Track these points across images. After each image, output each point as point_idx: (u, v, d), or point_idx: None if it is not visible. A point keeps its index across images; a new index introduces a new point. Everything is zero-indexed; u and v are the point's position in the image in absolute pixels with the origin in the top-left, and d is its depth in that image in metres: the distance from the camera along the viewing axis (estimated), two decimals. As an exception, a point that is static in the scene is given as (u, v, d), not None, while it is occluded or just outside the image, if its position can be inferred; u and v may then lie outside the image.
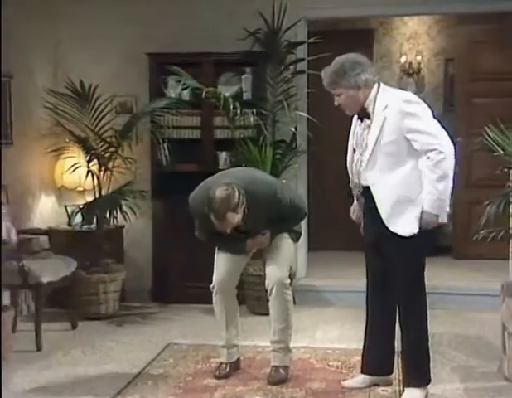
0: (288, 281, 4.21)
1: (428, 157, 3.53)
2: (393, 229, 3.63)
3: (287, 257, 4.25)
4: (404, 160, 3.58)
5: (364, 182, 3.72)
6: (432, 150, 3.53)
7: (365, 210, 3.77)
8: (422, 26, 7.96)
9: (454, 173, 3.67)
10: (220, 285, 4.21)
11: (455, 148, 3.66)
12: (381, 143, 3.58)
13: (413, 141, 3.55)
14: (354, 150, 3.77)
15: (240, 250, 4.27)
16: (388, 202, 3.62)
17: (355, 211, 3.93)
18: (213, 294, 4.25)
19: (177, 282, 6.08)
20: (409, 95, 3.67)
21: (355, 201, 3.92)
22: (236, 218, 3.87)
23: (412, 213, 3.61)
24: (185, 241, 5.91)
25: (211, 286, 4.24)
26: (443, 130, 3.63)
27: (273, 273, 4.16)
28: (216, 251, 4.30)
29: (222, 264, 4.23)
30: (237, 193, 3.86)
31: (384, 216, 3.64)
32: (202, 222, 4.12)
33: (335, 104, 3.72)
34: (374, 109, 3.64)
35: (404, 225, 3.62)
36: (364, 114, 3.69)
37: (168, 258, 6.13)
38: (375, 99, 3.65)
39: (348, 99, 3.65)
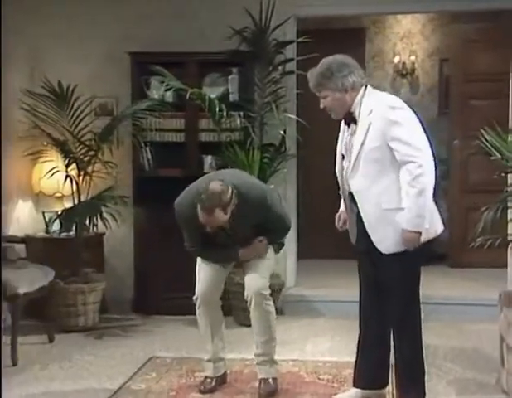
0: (268, 291, 4.21)
1: (407, 170, 3.52)
2: (379, 247, 3.65)
3: (267, 267, 4.26)
4: (389, 168, 3.57)
5: (350, 189, 3.74)
6: (410, 162, 3.52)
7: (357, 218, 3.78)
8: (415, 24, 8.01)
9: (435, 188, 3.68)
10: (204, 297, 4.20)
11: (435, 162, 3.66)
12: (365, 149, 3.59)
13: (395, 151, 3.55)
14: (343, 157, 3.78)
15: (233, 259, 4.28)
16: (373, 213, 3.63)
17: (341, 219, 3.94)
18: (196, 306, 4.24)
19: (160, 292, 6.07)
20: (395, 101, 3.66)
21: (341, 209, 3.93)
22: (223, 217, 3.88)
23: (399, 226, 3.61)
24: (168, 250, 5.92)
25: (194, 298, 4.23)
26: (427, 141, 3.61)
27: (252, 283, 4.16)
28: (198, 261, 4.29)
29: (205, 275, 4.22)
30: (230, 192, 3.90)
31: (369, 231, 3.66)
32: (190, 230, 4.11)
33: (321, 106, 3.73)
34: (359, 113, 3.65)
35: (389, 242, 3.63)
36: (350, 119, 3.70)
37: (150, 267, 6.11)
38: (361, 102, 3.66)
39: (334, 102, 3.66)
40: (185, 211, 4.02)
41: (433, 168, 3.61)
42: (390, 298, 3.73)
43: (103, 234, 6.15)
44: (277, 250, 4.35)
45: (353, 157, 3.65)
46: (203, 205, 3.85)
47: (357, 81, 3.65)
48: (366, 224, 3.66)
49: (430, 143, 3.63)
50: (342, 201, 3.92)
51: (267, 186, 4.35)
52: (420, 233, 3.57)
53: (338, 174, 3.83)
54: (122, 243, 6.36)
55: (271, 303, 4.20)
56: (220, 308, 4.32)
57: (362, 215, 3.68)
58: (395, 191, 3.59)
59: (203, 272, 4.23)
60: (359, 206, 3.69)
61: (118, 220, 5.67)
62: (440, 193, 7.68)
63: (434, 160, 3.64)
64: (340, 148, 3.81)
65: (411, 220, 3.55)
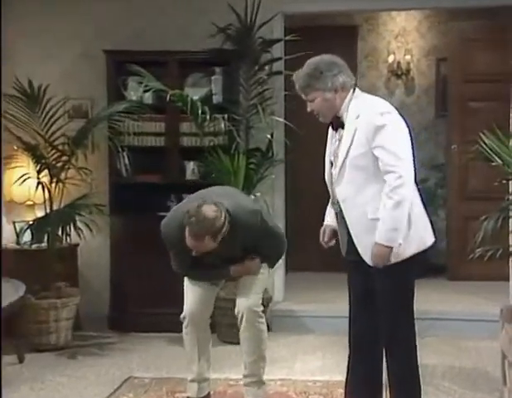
0: (261, 309, 4.22)
1: (387, 180, 3.54)
2: (365, 258, 3.67)
3: (261, 282, 4.27)
4: (376, 176, 3.58)
5: (337, 202, 3.77)
6: (390, 172, 3.53)
7: (346, 227, 3.79)
8: (411, 22, 8.06)
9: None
10: (193, 316, 4.19)
11: (415, 176, 3.67)
12: (350, 155, 3.61)
13: (379, 158, 3.58)
14: (332, 164, 3.79)
15: (224, 277, 4.29)
16: (358, 223, 3.65)
17: (326, 234, 3.94)
18: (183, 326, 4.22)
19: (138, 308, 6.06)
20: (383, 106, 3.67)
21: (325, 222, 3.95)
22: (211, 245, 3.89)
23: None
24: (147, 262, 5.92)
25: (182, 317, 4.21)
26: (410, 151, 3.63)
27: (244, 299, 4.17)
28: (185, 278, 4.29)
29: (193, 293, 4.21)
30: (223, 219, 3.88)
31: (355, 241, 3.68)
32: (178, 251, 4.11)
33: (308, 110, 3.75)
34: (346, 117, 3.67)
35: None
36: (337, 124, 3.72)
37: (128, 281, 6.10)
38: (348, 106, 3.68)
39: (323, 104, 3.67)
40: (173, 233, 4.01)
41: (413, 180, 3.60)
42: (381, 312, 3.75)
43: (77, 245, 6.13)
44: (271, 265, 4.37)
45: (339, 164, 3.67)
46: (192, 229, 3.85)
47: (347, 81, 3.68)
48: (352, 234, 3.69)
49: (413, 154, 3.65)
50: (327, 212, 3.94)
51: (260, 208, 4.33)
52: (391, 248, 3.56)
53: (327, 182, 3.85)
54: (97, 254, 6.34)
55: (263, 320, 4.22)
56: (209, 326, 4.31)
57: (348, 224, 3.70)
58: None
59: (191, 289, 4.22)
60: (345, 215, 3.71)
61: (94, 230, 5.65)
62: (437, 201, 7.80)
63: (415, 170, 3.65)
64: (328, 155, 3.82)
65: (384, 234, 3.54)
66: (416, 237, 3.66)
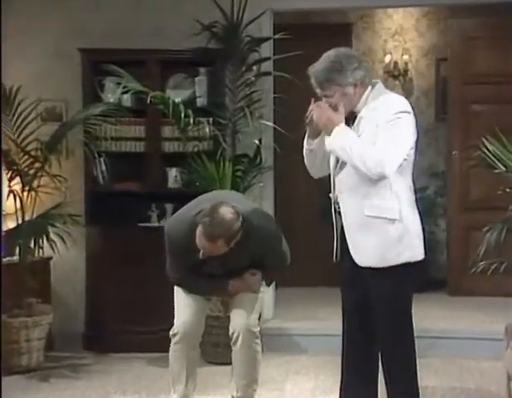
0: (258, 329, 4.23)
1: (373, 159, 3.58)
2: (355, 257, 3.71)
3: (258, 301, 4.28)
4: None
5: (335, 192, 3.80)
6: (375, 162, 3.58)
7: (340, 232, 3.82)
8: (409, 19, 8.10)
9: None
10: (186, 332, 4.17)
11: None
12: None
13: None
14: (335, 167, 3.81)
15: (221, 292, 4.29)
16: (353, 218, 3.70)
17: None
18: (173, 342, 4.20)
19: (116, 326, 6.05)
20: (403, 106, 3.71)
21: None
22: (222, 250, 3.90)
23: (386, 236, 3.67)
24: (126, 277, 5.93)
25: (172, 333, 4.20)
26: (404, 155, 3.66)
27: (240, 318, 4.17)
28: (176, 290, 4.28)
29: (187, 307, 4.20)
30: (239, 224, 3.90)
31: (347, 238, 3.71)
32: (179, 258, 4.11)
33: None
34: (362, 111, 3.71)
35: (367, 254, 3.69)
36: (352, 120, 3.75)
37: (105, 297, 6.09)
38: (366, 102, 3.72)
39: (342, 99, 3.71)
40: (179, 236, 4.00)
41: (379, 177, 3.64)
42: (379, 328, 3.77)
43: (51, 258, 6.11)
44: (268, 283, 4.38)
45: None
46: (206, 230, 3.84)
47: (365, 76, 3.74)
48: (345, 229, 3.74)
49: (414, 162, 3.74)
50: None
51: (273, 218, 4.36)
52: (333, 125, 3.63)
53: (331, 171, 3.87)
54: (72, 269, 6.33)
55: (259, 341, 4.24)
56: (199, 345, 4.31)
57: (343, 218, 3.75)
58: (382, 197, 3.66)
59: (184, 303, 4.21)
60: (341, 207, 3.75)
61: (68, 243, 5.65)
62: (437, 211, 7.83)
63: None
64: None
65: (340, 144, 3.62)
66: (410, 244, 3.72)
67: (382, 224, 3.68)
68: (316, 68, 3.72)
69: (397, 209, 3.68)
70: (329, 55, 3.74)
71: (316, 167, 3.93)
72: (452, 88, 7.40)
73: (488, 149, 4.62)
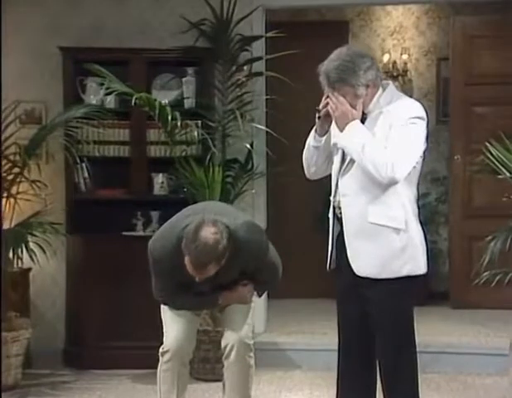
0: (252, 342, 4.24)
1: (383, 164, 3.61)
2: (352, 264, 3.73)
3: (251, 312, 4.30)
4: None
5: (338, 198, 3.80)
6: (386, 165, 3.61)
7: (339, 240, 3.83)
8: (408, 17, 8.13)
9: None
10: (177, 349, 4.15)
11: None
12: None
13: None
14: (343, 154, 3.82)
15: (212, 306, 4.31)
16: (354, 224, 3.70)
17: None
18: (163, 360, 4.18)
19: (98, 341, 6.04)
20: (418, 112, 3.72)
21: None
22: (217, 269, 3.90)
23: (389, 246, 3.69)
24: (109, 289, 5.92)
25: (162, 350, 4.19)
26: (414, 162, 3.70)
27: (234, 331, 4.18)
28: (163, 306, 4.28)
29: (177, 324, 4.19)
30: (225, 241, 3.88)
31: (346, 244, 3.73)
32: (166, 278, 4.12)
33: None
34: (372, 113, 3.73)
35: (365, 261, 3.71)
36: (362, 121, 3.76)
37: (87, 311, 6.08)
38: (377, 104, 3.74)
39: (354, 100, 3.72)
40: (165, 256, 3.99)
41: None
42: (378, 341, 3.79)
43: (30, 269, 6.11)
44: (260, 294, 4.40)
45: (349, 156, 3.73)
46: (193, 258, 3.84)
47: (378, 76, 3.75)
48: (345, 235, 3.74)
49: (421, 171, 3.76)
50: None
51: (263, 229, 4.37)
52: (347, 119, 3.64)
53: (333, 173, 3.87)
54: (52, 280, 6.34)
55: (253, 354, 4.24)
56: (188, 362, 4.31)
57: (344, 226, 3.76)
58: (388, 205, 3.68)
59: (174, 320, 4.20)
60: (343, 212, 3.76)
61: (48, 253, 5.65)
62: (438, 219, 7.87)
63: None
64: (335, 150, 3.85)
65: (352, 132, 3.63)
66: (413, 256, 3.73)
67: (386, 233, 3.68)
68: (328, 66, 3.69)
69: (402, 218, 3.70)
70: (341, 53, 3.72)
71: (316, 166, 3.92)
72: (454, 89, 7.41)
73: (492, 154, 4.65)
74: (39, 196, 5.84)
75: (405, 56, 8.09)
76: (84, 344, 6.11)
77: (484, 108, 7.19)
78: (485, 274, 4.50)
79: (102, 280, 5.95)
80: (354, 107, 3.68)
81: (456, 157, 7.28)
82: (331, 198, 3.87)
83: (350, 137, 3.65)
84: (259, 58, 6.18)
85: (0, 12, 4.71)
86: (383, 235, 3.69)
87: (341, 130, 3.68)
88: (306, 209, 7.56)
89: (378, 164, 3.58)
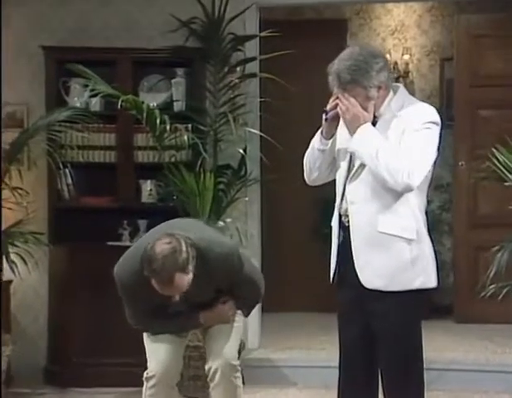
0: (238, 362, 4.25)
1: (398, 170, 3.62)
2: (360, 276, 3.72)
3: (236, 331, 4.30)
4: None
5: (345, 206, 3.79)
6: (402, 171, 3.62)
7: (345, 250, 3.82)
8: (410, 15, 8.15)
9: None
10: (162, 373, 4.15)
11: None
12: None
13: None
14: (351, 159, 3.82)
15: (194, 327, 4.30)
16: (363, 233, 3.70)
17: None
18: (148, 386, 4.18)
19: (82, 358, 6.03)
20: (433, 116, 3.73)
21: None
22: (187, 279, 3.87)
23: (400, 257, 3.70)
24: (94, 303, 5.92)
25: (147, 375, 4.18)
26: (428, 170, 3.73)
27: (218, 351, 4.18)
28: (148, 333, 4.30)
29: (161, 347, 4.19)
30: (184, 246, 3.87)
31: (354, 255, 3.72)
32: (137, 304, 4.11)
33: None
34: (382, 116, 3.74)
35: (374, 273, 3.72)
36: (372, 124, 3.77)
37: (71, 326, 6.08)
38: (388, 107, 3.75)
39: (365, 103, 3.72)
40: (133, 281, 3.98)
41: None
42: (383, 358, 3.79)
43: (10, 282, 6.10)
44: (246, 313, 4.40)
45: (358, 160, 3.72)
46: (157, 276, 3.82)
47: (390, 78, 3.75)
48: (353, 245, 3.73)
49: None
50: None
51: (234, 242, 4.37)
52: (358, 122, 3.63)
53: (338, 180, 3.86)
54: (34, 293, 6.33)
55: (240, 375, 4.24)
56: (176, 384, 4.31)
57: (351, 234, 3.75)
58: (399, 213, 3.69)
59: (157, 344, 4.21)
60: (350, 220, 3.75)
61: (30, 264, 5.65)
62: (442, 228, 7.87)
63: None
64: (344, 150, 3.84)
65: (365, 136, 3.62)
66: (424, 268, 3.75)
67: (397, 243, 3.68)
68: (340, 66, 3.67)
69: (414, 228, 3.71)
70: (353, 52, 3.70)
71: (320, 171, 3.89)
72: (458, 91, 7.43)
73: (498, 159, 4.66)
74: (20, 204, 5.84)
75: (407, 57, 8.10)
76: (68, 361, 6.10)
77: (490, 111, 7.20)
78: (492, 286, 4.52)
79: (86, 293, 5.95)
80: (365, 109, 3.68)
81: (460, 163, 7.30)
82: (336, 205, 3.87)
83: (362, 141, 3.64)
84: (253, 58, 6.19)
85: (0, 14, 4.73)
86: (393, 245, 3.69)
87: (352, 134, 3.67)
88: (303, 218, 7.57)
89: (393, 170, 3.58)
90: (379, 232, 3.69)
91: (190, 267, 3.88)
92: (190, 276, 3.89)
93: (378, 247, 3.69)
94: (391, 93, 3.77)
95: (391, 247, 3.69)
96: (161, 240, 3.88)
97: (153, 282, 3.85)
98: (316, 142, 3.85)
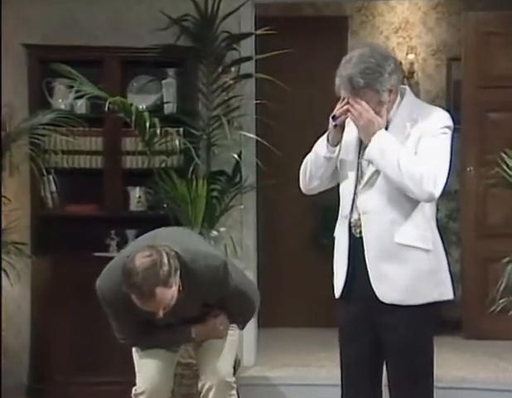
0: (233, 379, 4.26)
1: (422, 174, 3.64)
2: (376, 290, 3.72)
3: (230, 345, 4.32)
4: None
5: (357, 216, 3.79)
6: (427, 179, 3.64)
7: (355, 262, 3.82)
8: (415, 12, 8.17)
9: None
10: (152, 390, 4.18)
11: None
12: None
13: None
14: (358, 168, 3.82)
15: (185, 342, 4.31)
16: (379, 244, 3.70)
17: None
18: None
19: (67, 376, 6.03)
20: (448, 120, 3.74)
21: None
22: (170, 293, 3.86)
23: (418, 268, 3.71)
24: (79, 317, 5.92)
25: (135, 392, 4.21)
26: (446, 177, 3.76)
27: (212, 368, 4.20)
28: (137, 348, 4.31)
29: (151, 364, 4.21)
30: (165, 258, 3.85)
31: (368, 267, 3.72)
32: (122, 319, 4.11)
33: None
34: (394, 123, 3.75)
35: (392, 287, 3.72)
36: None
37: (54, 342, 6.08)
38: (397, 111, 3.76)
39: (378, 108, 3.71)
40: (116, 295, 3.98)
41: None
42: (392, 376, 3.80)
43: (-10, 295, 6.12)
44: (241, 326, 4.41)
45: (371, 169, 3.73)
46: (137, 291, 3.81)
47: (400, 80, 3.77)
48: (367, 258, 3.73)
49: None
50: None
51: (221, 253, 4.38)
52: (372, 128, 3.64)
53: (345, 189, 3.85)
54: (16, 307, 6.33)
55: (235, 393, 4.26)
56: None
57: (364, 246, 3.75)
58: (415, 223, 3.71)
59: (146, 360, 4.22)
60: (363, 232, 3.75)
61: (11, 276, 5.65)
62: (449, 238, 7.87)
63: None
64: (351, 158, 3.84)
65: (382, 143, 3.63)
66: (442, 280, 3.80)
67: (414, 254, 3.70)
68: (351, 70, 3.66)
69: (430, 238, 3.75)
70: (363, 54, 3.69)
71: (321, 179, 3.89)
72: (466, 93, 7.43)
73: (508, 165, 4.68)
74: (1, 213, 5.85)
75: (411, 56, 8.12)
76: (51, 378, 6.10)
77: (500, 114, 7.21)
78: (503, 300, 4.52)
79: (71, 307, 5.96)
80: (377, 114, 3.69)
81: (468, 169, 7.30)
82: (343, 215, 3.85)
83: (380, 149, 3.65)
84: (248, 58, 6.21)
85: (0, 14, 4.74)
86: (411, 256, 3.70)
87: (367, 141, 3.68)
88: (301, 226, 7.57)
89: (418, 179, 3.60)
90: (396, 243, 3.70)
91: (173, 280, 3.87)
92: (174, 290, 3.88)
93: (394, 259, 3.70)
94: (398, 96, 3.79)
95: (409, 258, 3.70)
96: (141, 252, 3.87)
97: (133, 297, 3.84)
98: (322, 149, 3.83)
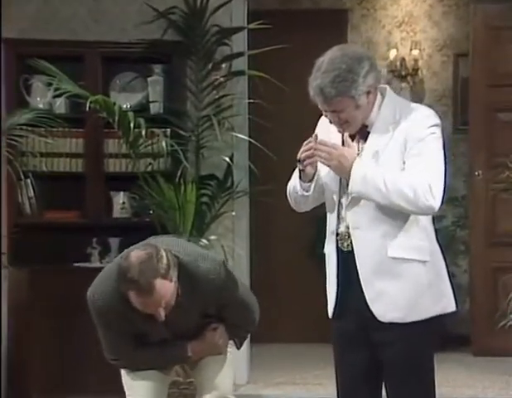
0: (234, 397, 4.28)
1: (419, 184, 3.65)
2: (373, 309, 3.74)
3: (229, 362, 4.32)
4: None
5: (344, 229, 3.79)
6: (422, 193, 3.66)
7: (346, 278, 3.84)
8: (420, 5, 8.19)
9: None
10: None
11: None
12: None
13: (407, 165, 3.68)
14: (340, 182, 3.84)
15: (181, 361, 4.31)
16: (371, 260, 3.70)
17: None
18: None
19: (46, 396, 6.03)
20: (434, 119, 3.74)
21: None
22: (171, 288, 3.84)
23: (416, 283, 3.72)
24: (60, 332, 5.93)
25: None
26: (443, 183, 3.77)
27: (212, 385, 4.19)
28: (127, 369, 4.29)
29: (142, 384, 4.18)
30: (163, 252, 3.84)
31: (363, 285, 3.73)
32: (118, 330, 4.09)
33: (330, 121, 3.78)
34: (376, 126, 3.75)
35: (389, 304, 3.74)
36: (362, 134, 3.79)
37: (33, 359, 6.09)
38: (379, 112, 3.77)
39: (356, 113, 3.73)
40: (109, 305, 3.95)
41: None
42: (393, 391, 3.82)
43: (-37, 309, 6.13)
44: (238, 344, 4.42)
45: None
46: (136, 286, 3.78)
47: (378, 77, 3.76)
48: (361, 275, 3.73)
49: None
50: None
51: (220, 259, 4.39)
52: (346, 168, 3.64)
53: (330, 206, 3.85)
54: (-10, 323, 6.35)
55: None
56: None
57: (357, 262, 3.76)
58: (409, 234, 3.72)
59: (137, 377, 4.20)
60: (355, 248, 3.78)
61: (-15, 289, 5.67)
62: (456, 246, 7.89)
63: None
64: (329, 176, 3.86)
65: (362, 175, 3.63)
66: (443, 292, 3.79)
67: (411, 267, 3.70)
68: (322, 81, 3.64)
69: (427, 248, 3.73)
70: (333, 60, 3.66)
71: (306, 207, 3.91)
72: (474, 91, 7.45)
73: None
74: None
75: (416, 52, 8.13)
76: (29, 397, 6.10)
77: (510, 114, 7.24)
78: (513, 314, 4.53)
79: (50, 322, 5.96)
80: (353, 119, 3.70)
81: (476, 173, 7.31)
82: (331, 231, 3.84)
83: (363, 180, 3.63)
84: (240, 54, 6.23)
85: (0, 14, 4.75)
86: (407, 270, 3.70)
87: (346, 177, 3.67)
88: (297, 235, 7.59)
89: (411, 196, 3.59)
90: (389, 257, 3.70)
91: (173, 274, 3.84)
92: (174, 286, 3.85)
93: (389, 275, 3.70)
94: (379, 96, 3.80)
95: (405, 273, 3.70)
96: (136, 250, 3.86)
97: (131, 296, 3.81)
98: (296, 187, 3.84)
